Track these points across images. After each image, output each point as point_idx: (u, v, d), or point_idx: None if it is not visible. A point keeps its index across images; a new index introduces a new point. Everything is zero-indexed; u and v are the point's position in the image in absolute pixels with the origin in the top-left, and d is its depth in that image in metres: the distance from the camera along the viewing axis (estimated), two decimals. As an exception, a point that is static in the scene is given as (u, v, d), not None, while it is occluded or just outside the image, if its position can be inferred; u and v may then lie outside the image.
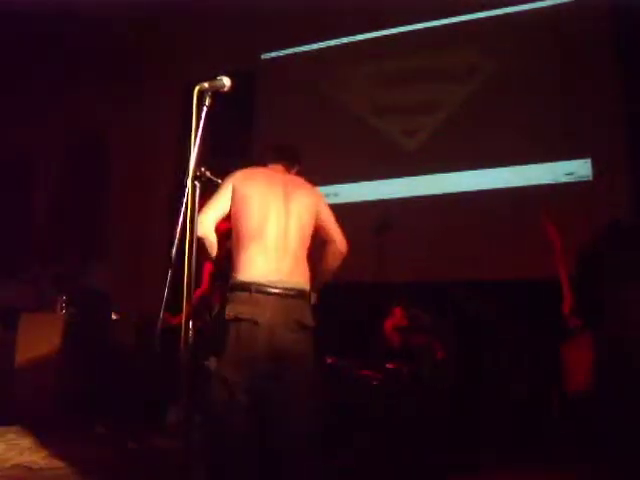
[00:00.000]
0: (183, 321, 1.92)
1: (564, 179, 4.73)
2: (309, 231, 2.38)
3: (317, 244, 2.43)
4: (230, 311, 2.15)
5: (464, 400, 3.90)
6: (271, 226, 2.26)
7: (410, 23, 5.53)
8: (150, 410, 4.77)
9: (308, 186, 2.49)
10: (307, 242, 2.37)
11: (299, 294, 2.22)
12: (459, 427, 3.73)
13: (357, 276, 4.88)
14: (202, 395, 2.11)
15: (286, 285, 2.19)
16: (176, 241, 1.92)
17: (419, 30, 5.51)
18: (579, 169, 4.69)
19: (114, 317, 3.67)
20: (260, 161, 2.58)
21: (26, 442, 4.06)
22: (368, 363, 3.94)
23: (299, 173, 2.64)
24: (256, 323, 2.12)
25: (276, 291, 2.16)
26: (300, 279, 2.26)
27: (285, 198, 2.34)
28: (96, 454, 3.76)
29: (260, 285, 2.15)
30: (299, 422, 2.13)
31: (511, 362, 4.10)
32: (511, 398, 3.97)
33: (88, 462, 3.60)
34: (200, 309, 3.43)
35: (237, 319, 2.13)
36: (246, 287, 2.16)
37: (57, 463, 3.56)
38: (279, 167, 2.53)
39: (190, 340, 1.93)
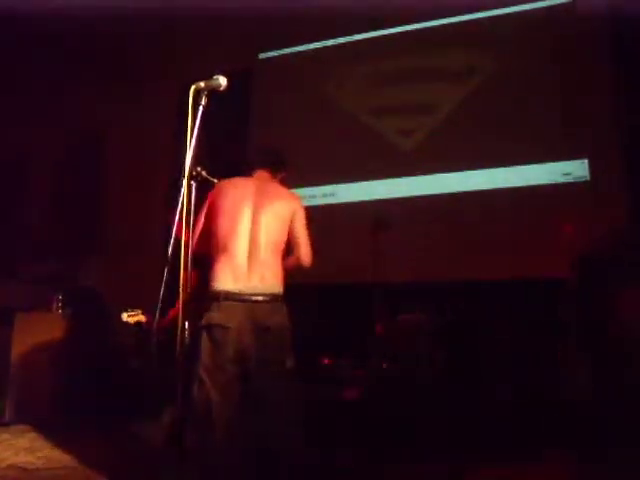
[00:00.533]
0: (179, 323, 1.92)
1: (562, 179, 4.73)
2: (281, 239, 2.51)
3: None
4: (204, 319, 2.34)
5: (460, 400, 3.90)
6: (239, 238, 2.40)
7: (408, 23, 5.52)
8: (146, 410, 4.76)
9: (285, 196, 2.58)
10: (279, 250, 2.50)
11: (272, 298, 2.38)
12: (456, 427, 3.73)
13: (354, 276, 4.89)
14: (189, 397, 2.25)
15: (255, 291, 2.35)
16: (172, 241, 1.92)
17: (417, 30, 5.51)
18: (576, 169, 4.69)
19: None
20: (248, 165, 2.67)
21: (22, 442, 4.05)
22: (364, 363, 3.94)
23: (283, 179, 2.74)
24: (226, 328, 2.30)
25: (244, 298, 2.33)
26: (271, 284, 2.41)
27: (255, 210, 2.46)
28: (93, 454, 3.75)
29: (228, 293, 2.33)
30: (274, 416, 2.30)
31: (508, 362, 4.10)
32: (509, 398, 3.96)
33: (85, 462, 3.59)
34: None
35: (209, 325, 2.32)
36: (216, 296, 2.34)
37: (53, 463, 3.55)
38: (264, 174, 2.65)
39: (186, 341, 1.93)
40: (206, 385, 2.26)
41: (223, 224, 2.42)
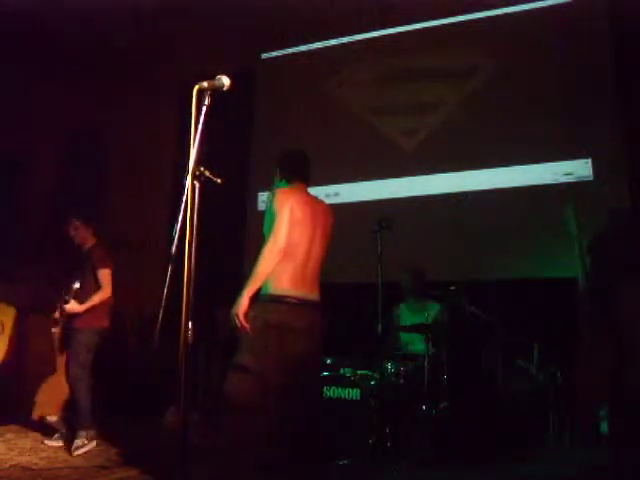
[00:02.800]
0: (183, 321, 1.93)
1: (563, 179, 4.73)
2: (325, 253, 2.84)
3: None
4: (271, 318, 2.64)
5: (462, 398, 3.90)
6: (304, 248, 2.70)
7: (410, 23, 5.53)
8: (150, 409, 4.77)
9: (329, 212, 2.91)
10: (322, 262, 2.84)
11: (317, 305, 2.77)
12: (457, 426, 3.73)
13: (356, 276, 4.89)
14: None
15: (309, 298, 2.71)
16: (175, 240, 1.92)
17: (419, 30, 5.51)
18: (578, 169, 4.69)
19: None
20: (284, 171, 2.90)
21: (26, 442, 4.07)
22: (367, 363, 3.94)
23: None
24: (290, 329, 2.62)
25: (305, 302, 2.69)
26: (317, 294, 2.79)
27: (314, 227, 2.76)
28: (95, 454, 3.76)
29: (294, 297, 2.65)
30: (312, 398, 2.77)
31: (509, 361, 4.10)
32: (509, 397, 3.97)
33: (88, 462, 3.60)
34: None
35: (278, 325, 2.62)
36: (281, 298, 2.64)
37: (56, 464, 3.56)
38: (304, 186, 2.89)
39: (190, 340, 1.94)
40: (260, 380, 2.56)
41: (294, 233, 2.65)
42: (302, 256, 2.67)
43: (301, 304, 2.63)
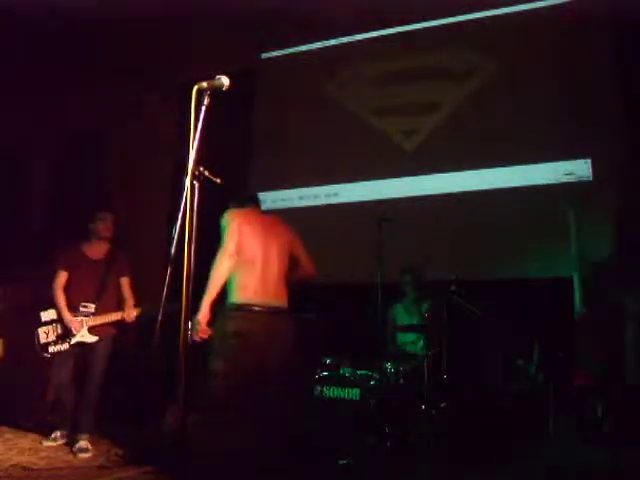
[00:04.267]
0: (182, 321, 1.93)
1: (564, 179, 4.73)
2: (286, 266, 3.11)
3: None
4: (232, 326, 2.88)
5: (462, 398, 3.90)
6: (261, 260, 2.99)
7: (410, 23, 5.52)
8: (149, 410, 4.76)
9: (284, 228, 3.20)
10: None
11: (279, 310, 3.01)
12: (457, 425, 3.73)
13: (356, 275, 4.89)
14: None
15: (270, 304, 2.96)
16: (175, 240, 1.92)
17: (418, 30, 5.51)
18: (579, 169, 4.69)
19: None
20: (239, 203, 3.20)
21: (25, 442, 4.06)
22: (367, 363, 3.94)
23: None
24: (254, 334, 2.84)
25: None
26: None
27: (268, 241, 3.06)
28: (95, 454, 3.76)
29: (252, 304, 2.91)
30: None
31: (508, 361, 4.10)
32: (509, 397, 3.97)
33: (88, 463, 3.60)
34: None
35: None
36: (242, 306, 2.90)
37: (56, 464, 3.55)
38: (255, 209, 3.25)
39: (189, 340, 1.94)
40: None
41: (246, 246, 2.94)
42: (260, 268, 2.96)
43: (265, 311, 2.89)
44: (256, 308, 2.89)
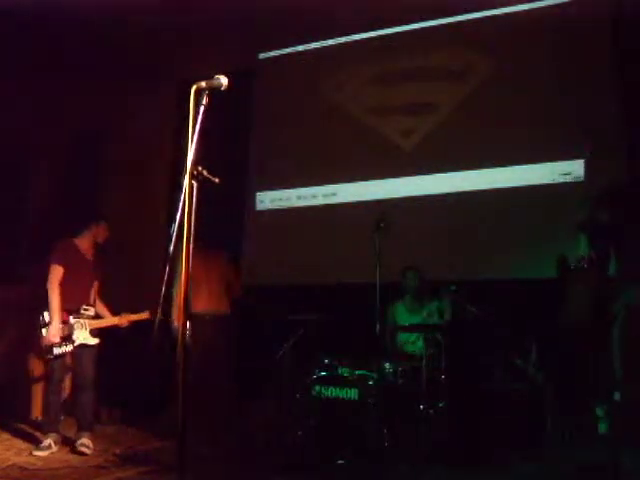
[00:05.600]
0: (180, 322, 1.93)
1: (561, 179, 4.73)
2: None
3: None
4: None
5: (460, 398, 3.90)
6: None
7: (408, 23, 5.52)
8: (148, 409, 4.77)
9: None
10: None
11: None
12: (456, 425, 3.73)
13: (355, 276, 4.89)
14: None
15: None
16: (173, 239, 1.92)
17: (417, 30, 5.50)
18: (576, 169, 4.69)
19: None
20: None
21: (23, 443, 4.06)
22: (365, 363, 3.94)
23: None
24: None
25: None
26: None
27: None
28: (95, 454, 3.76)
29: None
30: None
31: (508, 361, 4.10)
32: (508, 397, 3.97)
33: (86, 462, 3.59)
34: None
35: None
36: None
37: (54, 463, 3.55)
38: None
39: (188, 340, 1.94)
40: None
41: None
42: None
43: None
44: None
